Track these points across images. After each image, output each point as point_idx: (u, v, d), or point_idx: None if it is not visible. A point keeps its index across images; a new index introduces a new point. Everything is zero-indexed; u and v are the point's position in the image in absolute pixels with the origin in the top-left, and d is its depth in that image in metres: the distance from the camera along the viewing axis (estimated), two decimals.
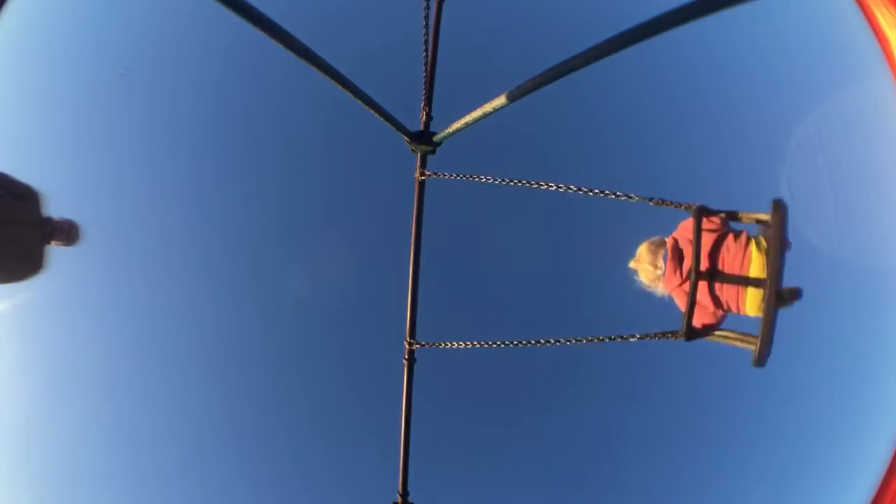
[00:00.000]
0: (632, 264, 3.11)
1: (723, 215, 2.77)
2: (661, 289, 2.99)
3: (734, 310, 2.69)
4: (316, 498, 9.44)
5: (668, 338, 2.69)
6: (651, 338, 2.72)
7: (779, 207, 2.50)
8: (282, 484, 9.34)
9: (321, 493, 9.43)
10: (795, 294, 2.55)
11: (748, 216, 2.72)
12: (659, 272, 2.93)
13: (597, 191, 2.89)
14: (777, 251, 2.45)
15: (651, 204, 2.77)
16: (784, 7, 8.92)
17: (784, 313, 2.52)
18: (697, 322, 2.71)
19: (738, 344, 2.63)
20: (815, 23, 9.04)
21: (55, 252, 3.57)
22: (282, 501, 9.41)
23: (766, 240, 2.60)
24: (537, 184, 2.99)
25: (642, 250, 3.05)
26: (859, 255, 8.78)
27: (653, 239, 3.04)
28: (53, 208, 3.56)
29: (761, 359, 2.45)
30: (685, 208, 2.76)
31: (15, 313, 7.77)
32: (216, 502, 9.23)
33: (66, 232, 3.60)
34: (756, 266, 2.60)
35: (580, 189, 2.89)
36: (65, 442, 8.89)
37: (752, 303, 2.63)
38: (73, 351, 8.90)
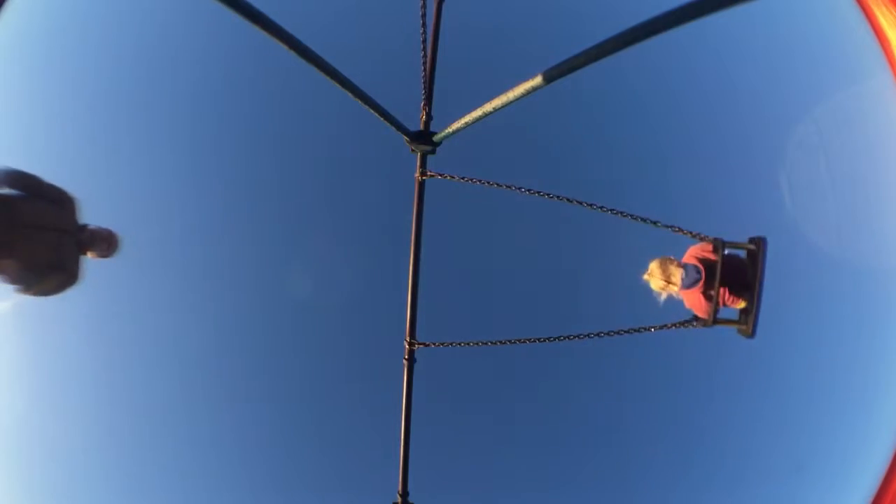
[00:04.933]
0: (645, 277, 3.98)
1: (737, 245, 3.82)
2: (665, 296, 3.92)
3: (730, 305, 3.84)
4: (316, 498, 9.44)
5: (691, 326, 3.76)
6: (673, 327, 3.70)
7: (757, 241, 3.73)
8: (282, 484, 9.35)
9: (321, 493, 9.43)
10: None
11: (736, 244, 3.80)
12: (671, 284, 3.88)
13: (622, 212, 3.49)
14: (760, 268, 3.72)
15: (672, 231, 3.64)
16: (784, 7, 8.93)
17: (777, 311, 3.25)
18: (706, 314, 3.80)
19: (734, 326, 3.83)
20: (815, 23, 9.04)
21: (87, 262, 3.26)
22: (283, 501, 9.42)
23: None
24: (554, 197, 3.28)
25: (654, 266, 3.93)
26: (859, 256, 8.78)
27: (662, 257, 3.96)
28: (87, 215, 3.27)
29: (754, 332, 3.72)
30: (709, 240, 3.75)
31: (15, 313, 7.78)
32: (217, 502, 9.25)
33: (106, 241, 3.28)
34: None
35: (602, 208, 3.26)
36: (65, 442, 8.90)
37: (744, 301, 3.84)
38: (73, 350, 8.91)
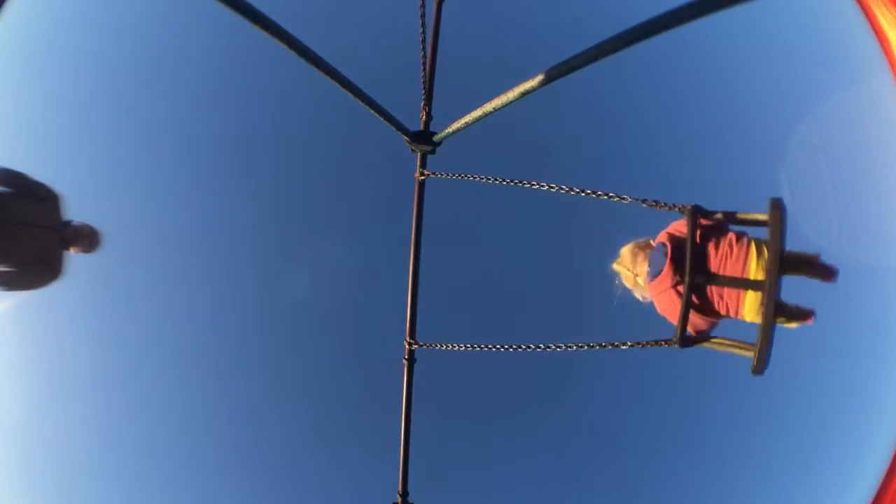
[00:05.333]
0: (614, 266, 2.97)
1: (719, 216, 2.61)
2: (640, 292, 2.86)
3: (732, 315, 2.55)
4: (316, 498, 9.44)
5: (660, 345, 2.60)
6: (642, 345, 2.64)
7: (777, 207, 2.42)
8: (283, 484, 9.35)
9: (322, 493, 9.43)
10: (803, 313, 2.49)
11: (746, 216, 2.59)
12: (638, 277, 2.79)
13: (589, 191, 2.77)
14: (776, 252, 2.36)
15: (643, 205, 2.65)
16: (784, 7, 8.93)
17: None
18: (690, 328, 2.57)
19: (734, 351, 2.53)
20: (815, 23, 9.04)
21: (71, 258, 3.36)
22: (283, 501, 9.41)
23: (762, 246, 2.51)
24: (529, 183, 2.95)
25: (625, 252, 2.90)
26: (859, 255, 8.78)
27: (638, 241, 2.88)
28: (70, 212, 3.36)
29: (760, 367, 2.39)
30: (679, 209, 2.60)
31: (15, 313, 7.78)
32: (217, 502, 9.24)
33: (88, 237, 3.40)
34: (756, 270, 2.46)
35: (572, 189, 2.80)
36: (64, 442, 8.90)
37: (750, 308, 2.48)
38: (73, 350, 8.91)
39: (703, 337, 2.62)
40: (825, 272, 2.55)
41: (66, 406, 8.95)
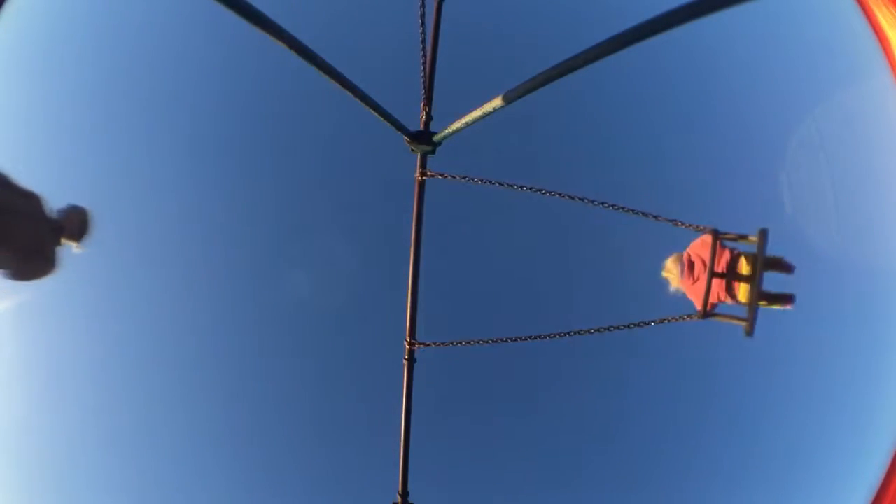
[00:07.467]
0: (663, 274, 4.41)
1: (731, 235, 3.94)
2: (675, 287, 4.28)
3: (729, 300, 4.03)
4: (316, 498, 9.45)
5: (686, 319, 3.77)
6: (669, 321, 3.70)
7: (763, 233, 3.79)
8: (283, 484, 9.35)
9: (321, 493, 9.44)
10: (783, 298, 4.07)
11: (732, 236, 3.93)
12: (672, 276, 4.25)
13: (619, 206, 3.64)
14: (760, 260, 3.77)
15: (671, 225, 3.79)
16: (784, 7, 8.93)
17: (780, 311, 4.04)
18: (698, 306, 3.93)
19: (733, 321, 3.85)
20: (815, 23, 9.04)
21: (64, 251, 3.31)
22: (283, 502, 9.42)
23: (749, 256, 3.94)
24: (552, 193, 3.38)
25: (669, 263, 4.33)
26: (859, 256, 8.78)
27: (674, 255, 4.33)
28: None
29: (750, 331, 3.75)
30: (699, 230, 3.90)
31: (15, 313, 7.78)
32: (217, 503, 9.25)
33: (79, 216, 3.31)
34: (745, 270, 4.02)
35: (604, 204, 3.42)
36: (64, 442, 8.90)
37: (743, 294, 3.99)
38: (73, 351, 8.91)
39: (713, 312, 3.93)
40: (788, 268, 4.10)
41: (66, 406, 8.95)
